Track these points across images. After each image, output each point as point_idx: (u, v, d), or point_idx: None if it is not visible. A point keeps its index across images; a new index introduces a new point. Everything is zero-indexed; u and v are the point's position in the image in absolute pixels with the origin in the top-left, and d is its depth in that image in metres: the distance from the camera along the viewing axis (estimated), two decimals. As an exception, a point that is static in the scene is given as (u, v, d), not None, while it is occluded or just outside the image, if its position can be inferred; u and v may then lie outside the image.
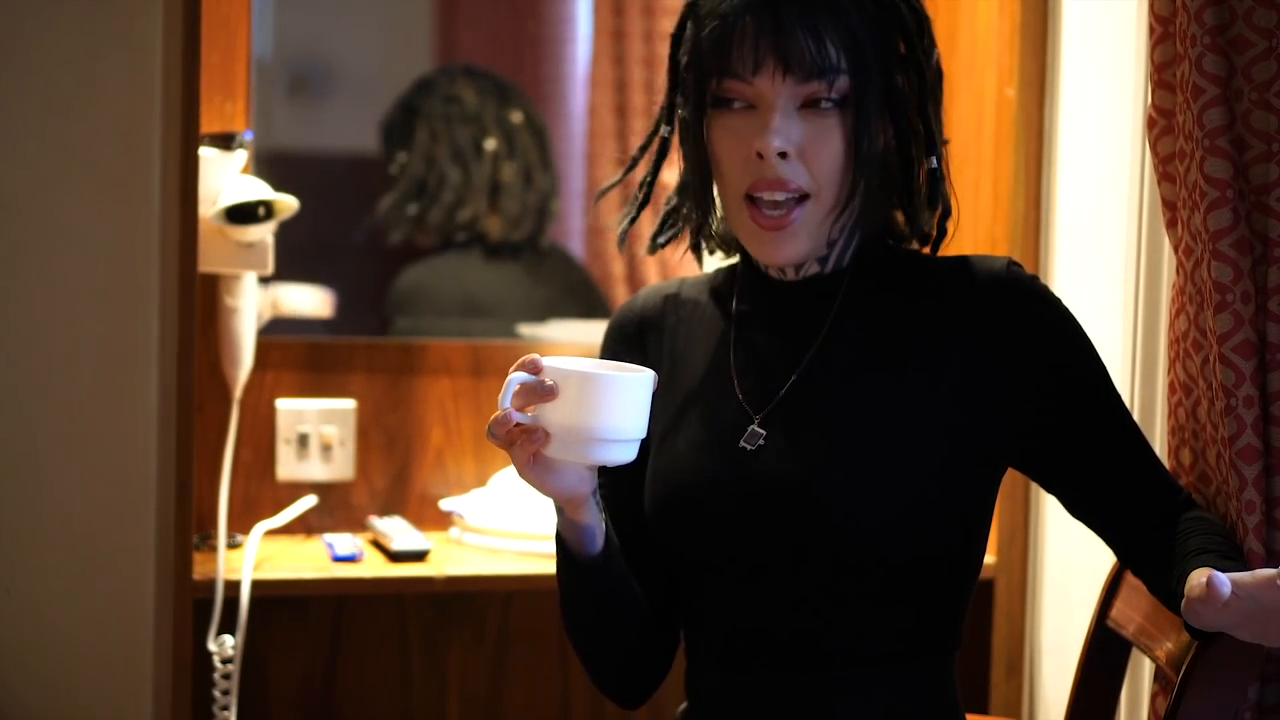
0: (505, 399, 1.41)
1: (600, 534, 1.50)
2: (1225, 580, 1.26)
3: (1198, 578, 1.30)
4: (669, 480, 1.55)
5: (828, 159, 1.47)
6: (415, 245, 2.68)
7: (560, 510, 1.50)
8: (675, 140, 1.59)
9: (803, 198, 1.48)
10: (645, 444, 1.59)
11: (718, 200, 1.57)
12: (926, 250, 1.58)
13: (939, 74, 1.54)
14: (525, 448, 1.41)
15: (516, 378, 1.41)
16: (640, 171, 1.61)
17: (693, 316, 1.62)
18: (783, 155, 1.46)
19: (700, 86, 1.50)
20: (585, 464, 1.44)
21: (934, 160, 1.53)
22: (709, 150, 1.52)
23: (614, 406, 1.41)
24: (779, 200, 1.48)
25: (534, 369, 1.41)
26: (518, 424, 1.40)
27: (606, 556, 1.51)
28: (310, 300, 2.63)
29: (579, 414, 1.40)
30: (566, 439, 1.41)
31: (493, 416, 1.42)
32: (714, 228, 1.60)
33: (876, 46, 1.48)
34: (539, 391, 1.40)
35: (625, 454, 1.43)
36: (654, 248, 1.63)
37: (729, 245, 1.62)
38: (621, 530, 1.60)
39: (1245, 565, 1.45)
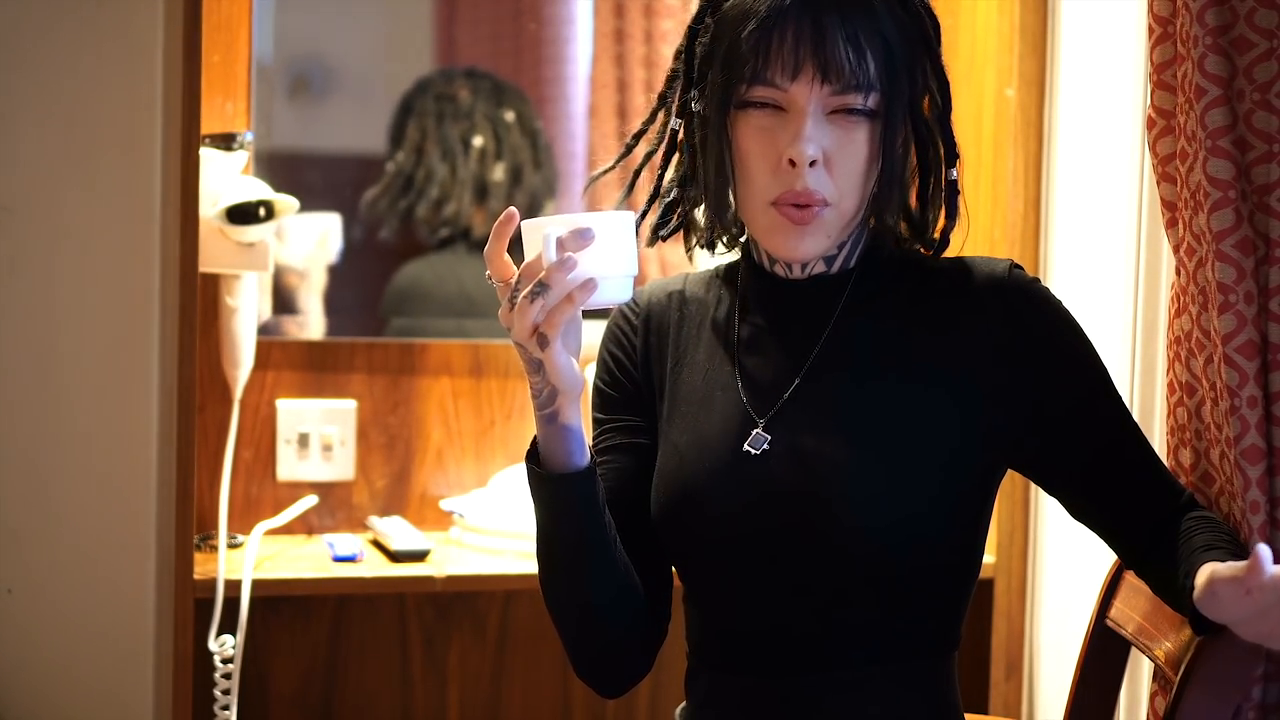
0: (550, 253, 1.39)
1: (585, 444, 1.48)
2: (1269, 555, 1.25)
3: (1215, 567, 1.29)
4: (673, 483, 1.55)
5: (852, 167, 1.47)
6: (414, 245, 2.68)
7: (553, 418, 1.45)
8: (682, 134, 1.58)
9: (825, 205, 1.48)
10: (651, 447, 1.59)
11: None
12: (928, 253, 1.58)
13: (947, 82, 1.55)
14: (575, 299, 1.39)
15: (553, 231, 1.39)
16: (635, 161, 1.61)
17: (696, 315, 1.62)
18: (812, 163, 1.46)
19: (728, 87, 1.49)
20: (607, 303, 1.44)
21: (953, 172, 1.53)
22: (733, 150, 1.51)
23: (625, 244, 1.43)
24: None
25: (510, 221, 1.41)
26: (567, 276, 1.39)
27: (591, 470, 1.48)
28: (318, 230, 2.62)
29: (605, 255, 1.41)
30: (599, 279, 1.42)
31: (545, 273, 1.39)
32: (721, 225, 1.59)
33: (907, 57, 1.48)
34: (580, 239, 1.39)
35: (629, 291, 1.45)
36: (654, 240, 1.62)
37: (733, 242, 1.62)
38: (616, 519, 1.57)
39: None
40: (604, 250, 1.42)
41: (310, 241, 2.61)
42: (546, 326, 1.40)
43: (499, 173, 2.70)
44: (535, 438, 1.49)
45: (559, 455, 1.47)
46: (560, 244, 1.39)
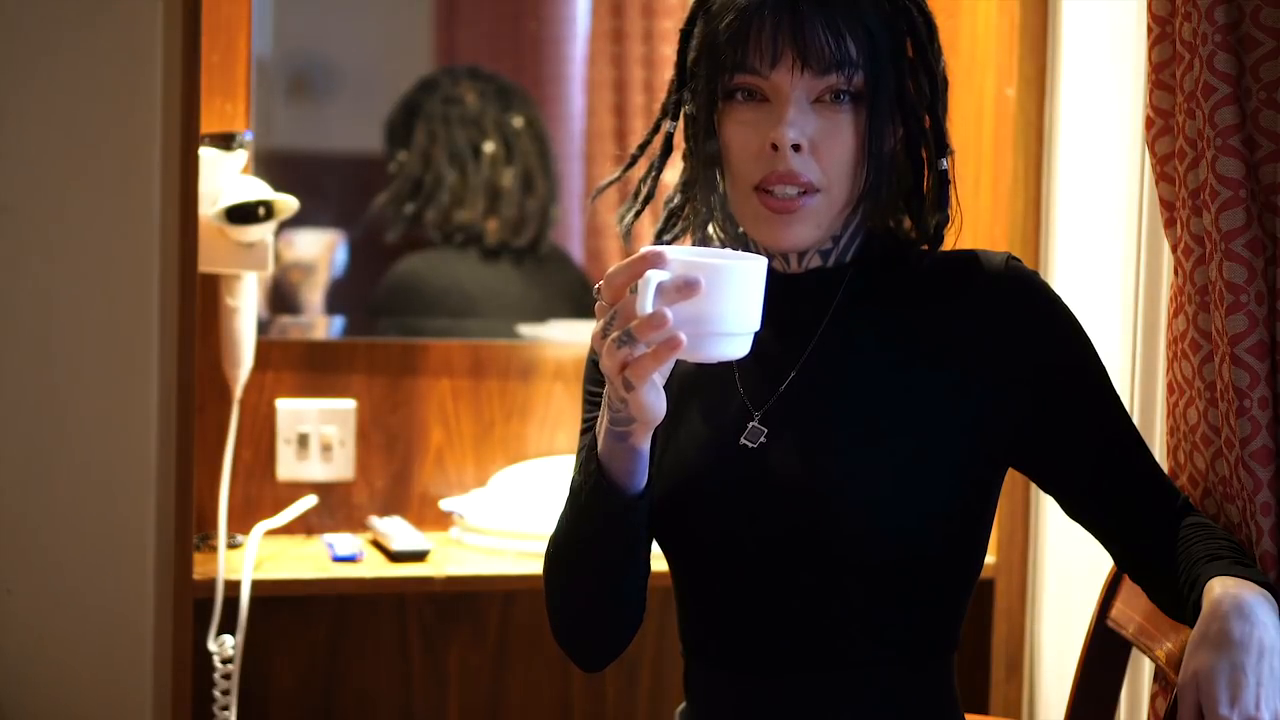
0: (646, 303, 1.29)
1: (647, 466, 1.45)
2: None
3: None
4: (670, 478, 1.55)
5: (839, 154, 1.47)
6: (415, 246, 2.68)
7: (625, 437, 1.41)
8: (678, 137, 1.58)
9: (813, 192, 1.48)
10: (654, 440, 1.59)
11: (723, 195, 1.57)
12: (925, 248, 1.58)
13: (945, 83, 1.55)
14: (661, 356, 1.31)
15: (655, 275, 1.30)
16: (641, 169, 1.61)
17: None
18: (796, 148, 1.46)
19: (713, 80, 1.50)
20: (711, 360, 1.34)
21: (943, 162, 1.53)
22: (719, 144, 1.52)
23: (746, 297, 1.33)
24: (790, 194, 1.48)
25: (659, 261, 1.31)
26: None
27: (644, 495, 1.47)
28: (317, 244, 2.64)
29: (715, 308, 1.30)
30: (699, 336, 1.30)
31: (635, 322, 1.30)
32: (719, 223, 1.60)
33: (891, 46, 1.48)
34: (683, 289, 1.30)
35: (747, 347, 1.35)
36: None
37: (734, 242, 1.62)
38: None
39: (1256, 567, 1.45)
40: (719, 302, 1.30)
41: (318, 244, 2.63)
42: (632, 374, 1.34)
43: (508, 179, 2.70)
44: (596, 441, 1.46)
45: (619, 473, 1.44)
46: (661, 291, 1.30)
